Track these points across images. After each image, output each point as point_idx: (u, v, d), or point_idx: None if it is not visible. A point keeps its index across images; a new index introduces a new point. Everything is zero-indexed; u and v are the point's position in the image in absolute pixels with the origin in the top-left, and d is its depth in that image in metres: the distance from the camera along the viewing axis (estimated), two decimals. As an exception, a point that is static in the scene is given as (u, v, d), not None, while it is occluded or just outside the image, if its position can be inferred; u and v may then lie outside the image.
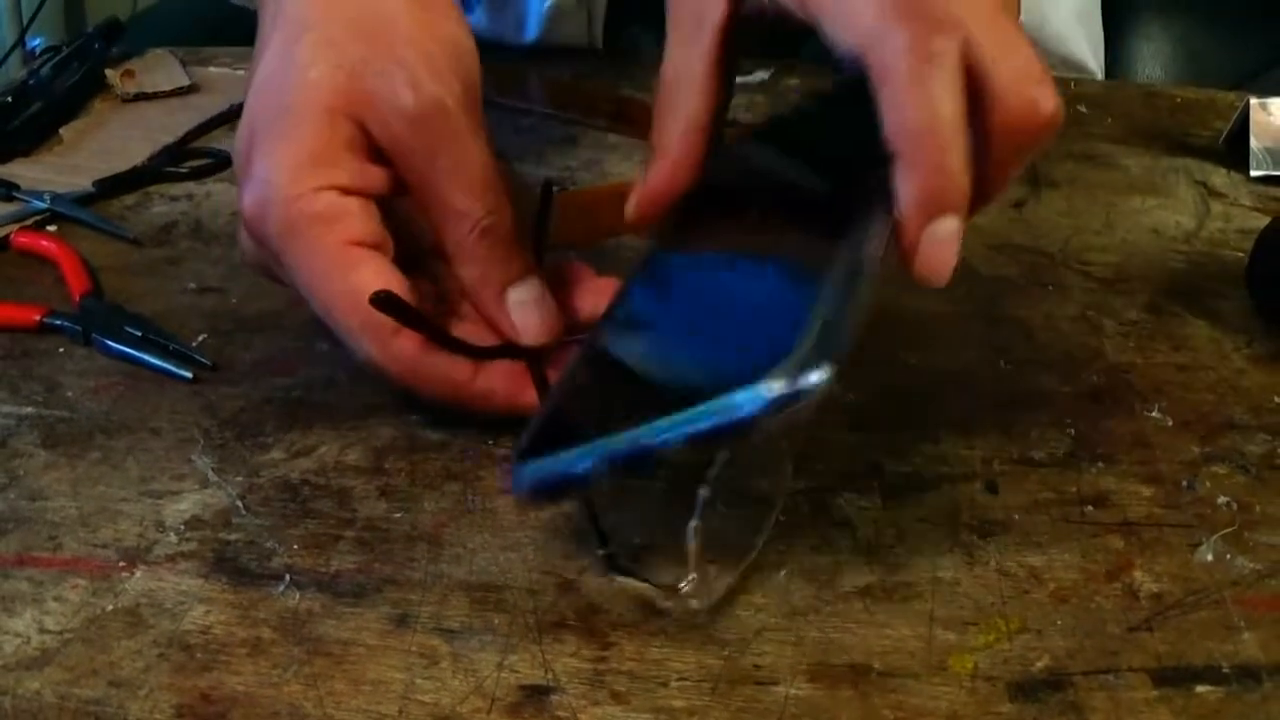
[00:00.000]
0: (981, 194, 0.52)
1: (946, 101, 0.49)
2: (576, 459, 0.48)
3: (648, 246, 0.58)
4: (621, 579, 0.53)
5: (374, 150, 0.58)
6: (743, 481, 0.57)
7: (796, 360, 0.44)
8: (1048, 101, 0.51)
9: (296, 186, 0.57)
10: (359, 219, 0.58)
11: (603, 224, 0.79)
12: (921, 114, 0.49)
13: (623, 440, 0.46)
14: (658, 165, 0.57)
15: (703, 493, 0.49)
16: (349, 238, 0.57)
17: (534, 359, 0.60)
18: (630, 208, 0.58)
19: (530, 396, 0.59)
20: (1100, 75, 1.13)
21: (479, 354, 0.59)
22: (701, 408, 0.44)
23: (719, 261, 0.56)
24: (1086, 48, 1.12)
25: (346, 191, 0.57)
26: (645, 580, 0.52)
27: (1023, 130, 0.51)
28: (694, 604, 0.51)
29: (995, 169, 0.52)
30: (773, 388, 0.43)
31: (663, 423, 0.45)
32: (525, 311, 0.59)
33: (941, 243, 0.50)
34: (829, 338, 0.45)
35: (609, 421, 0.47)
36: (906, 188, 0.49)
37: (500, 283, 0.59)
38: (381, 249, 0.58)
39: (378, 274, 0.57)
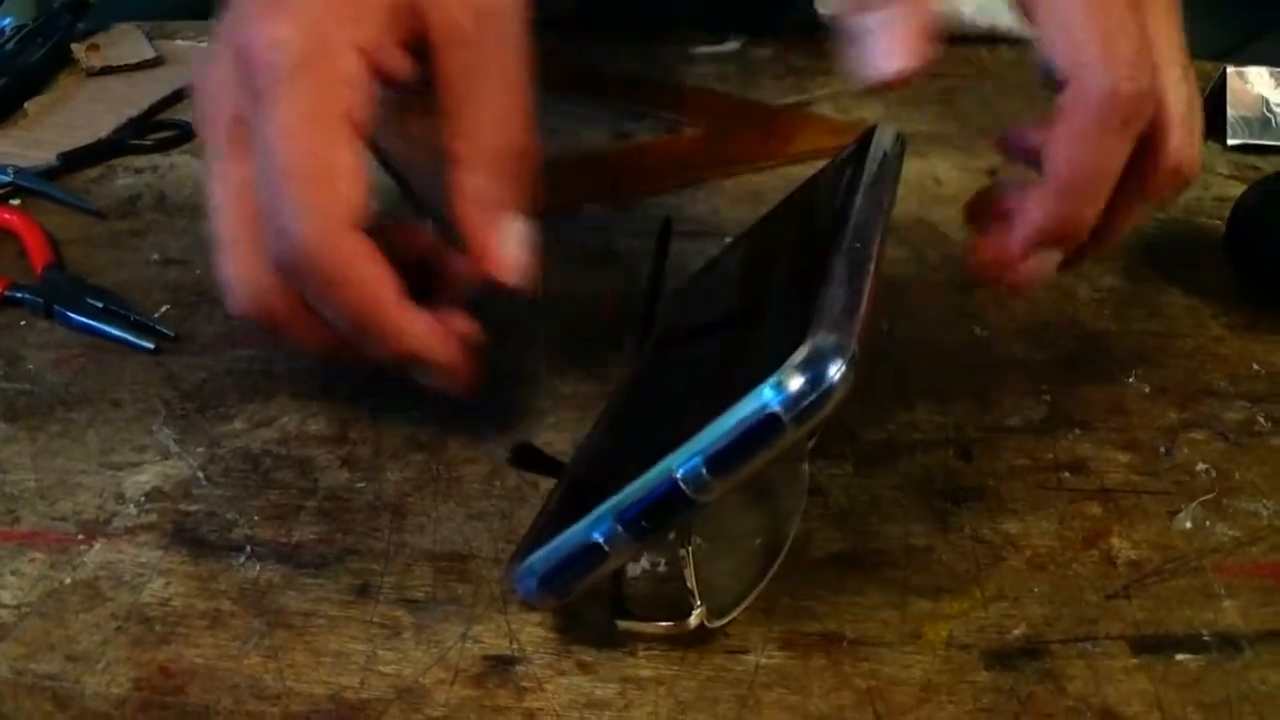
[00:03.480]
0: (1109, 232, 0.53)
1: (1112, 161, 0.49)
2: (586, 528, 0.44)
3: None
4: (627, 624, 0.49)
5: (414, 35, 0.53)
6: (754, 497, 0.55)
7: (810, 350, 0.40)
8: (1194, 165, 0.53)
9: (329, 29, 0.51)
10: (368, 100, 0.52)
11: (569, 193, 0.79)
12: (1086, 164, 0.49)
13: (636, 488, 0.43)
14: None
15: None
16: (353, 113, 0.51)
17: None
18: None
19: (448, 353, 0.54)
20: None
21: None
22: (715, 425, 0.41)
23: (704, 336, 0.55)
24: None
25: (373, 64, 0.52)
26: (652, 620, 0.49)
27: (1169, 187, 0.53)
28: (710, 625, 0.48)
29: (1127, 211, 0.53)
30: (789, 380, 0.40)
31: (678, 454, 0.42)
32: (516, 247, 0.54)
33: (1042, 266, 0.52)
34: (843, 326, 0.41)
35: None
36: (1035, 208, 0.51)
37: (503, 205, 0.54)
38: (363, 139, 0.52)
39: (357, 168, 0.51)
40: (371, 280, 0.51)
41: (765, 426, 0.40)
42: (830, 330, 0.40)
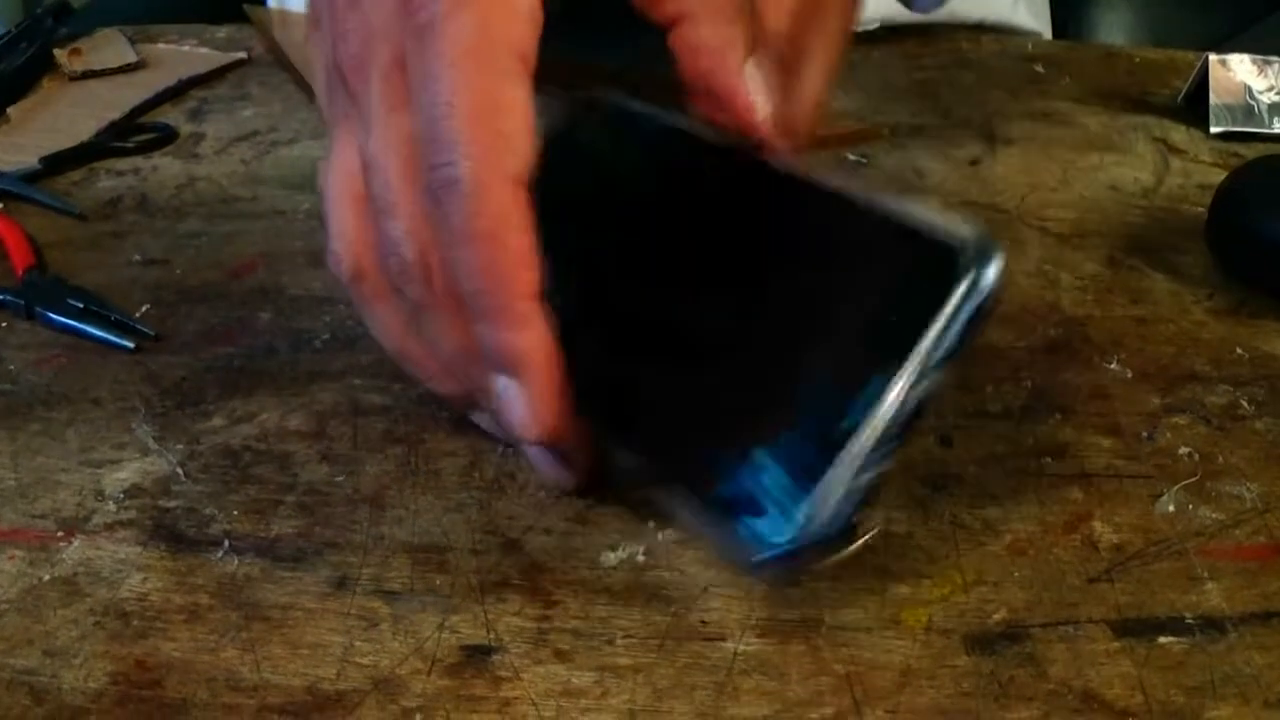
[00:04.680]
0: None
1: None
2: (851, 471, 0.42)
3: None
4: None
5: None
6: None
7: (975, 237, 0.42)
8: None
9: None
10: (536, 33, 0.47)
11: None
12: None
13: (882, 411, 0.42)
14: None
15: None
16: (522, 46, 0.46)
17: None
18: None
19: None
20: (1048, 35, 1.12)
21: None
22: (935, 321, 0.43)
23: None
24: (1024, 11, 1.11)
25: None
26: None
27: None
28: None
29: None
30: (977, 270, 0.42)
31: (905, 368, 0.42)
32: (758, 85, 0.51)
33: None
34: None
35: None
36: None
37: (747, 49, 0.51)
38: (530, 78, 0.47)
39: (527, 110, 0.46)
40: (519, 252, 0.46)
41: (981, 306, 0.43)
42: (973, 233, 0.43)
